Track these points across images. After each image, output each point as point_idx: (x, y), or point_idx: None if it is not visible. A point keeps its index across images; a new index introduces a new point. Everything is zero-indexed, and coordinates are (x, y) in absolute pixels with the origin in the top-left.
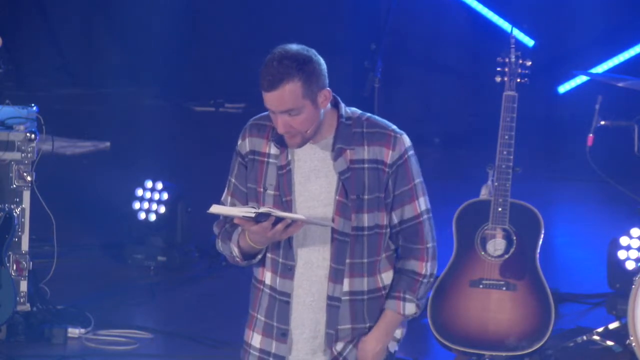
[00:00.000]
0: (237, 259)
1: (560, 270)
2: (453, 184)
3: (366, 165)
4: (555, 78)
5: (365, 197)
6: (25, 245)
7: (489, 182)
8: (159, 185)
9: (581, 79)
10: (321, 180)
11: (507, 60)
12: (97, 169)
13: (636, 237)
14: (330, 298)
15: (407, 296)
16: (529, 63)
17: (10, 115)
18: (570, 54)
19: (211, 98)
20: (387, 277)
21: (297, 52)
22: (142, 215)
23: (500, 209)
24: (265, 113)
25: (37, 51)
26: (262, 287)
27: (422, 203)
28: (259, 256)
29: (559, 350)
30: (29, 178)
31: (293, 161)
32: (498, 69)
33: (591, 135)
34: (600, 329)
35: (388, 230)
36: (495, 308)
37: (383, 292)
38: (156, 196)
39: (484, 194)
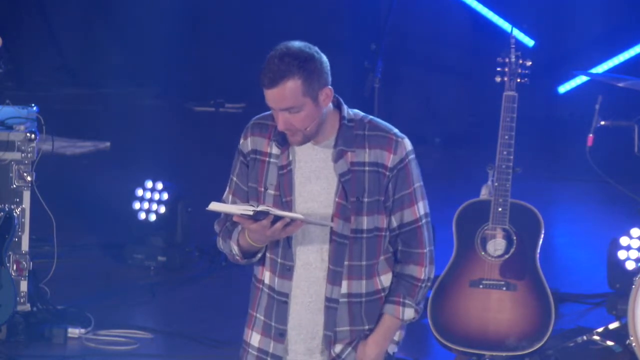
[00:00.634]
0: (237, 258)
1: (560, 270)
2: (453, 184)
3: (367, 168)
4: (555, 78)
5: (365, 199)
6: (25, 245)
7: (489, 182)
8: (159, 185)
9: (581, 79)
10: (321, 181)
11: (507, 60)
12: (97, 169)
13: (636, 237)
14: (328, 300)
15: (407, 301)
16: (529, 63)
17: (10, 115)
18: (570, 54)
19: (211, 98)
20: (385, 279)
21: (299, 49)
22: (142, 215)
23: (500, 209)
24: (268, 112)
25: (37, 51)
26: (261, 286)
27: (422, 207)
28: (259, 255)
29: (559, 350)
30: (29, 178)
31: (294, 162)
32: (498, 69)
33: (591, 135)
34: (600, 329)
35: (387, 233)
36: (495, 308)
37: (382, 295)
38: (156, 196)
39: (484, 194)
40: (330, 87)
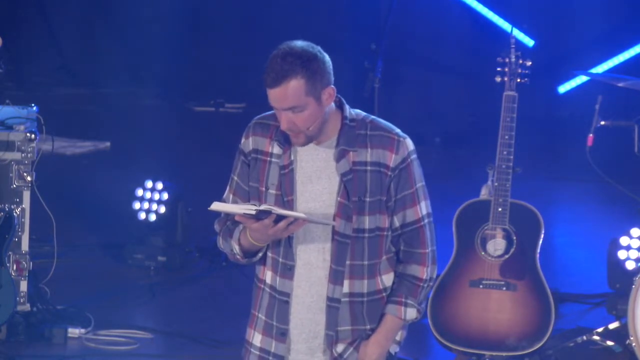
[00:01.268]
0: (238, 257)
1: (560, 270)
2: (453, 184)
3: (369, 168)
4: (555, 78)
5: (367, 199)
6: (25, 245)
7: (489, 182)
8: (159, 185)
9: (581, 79)
10: (323, 181)
11: (507, 60)
12: (97, 169)
13: (636, 237)
14: (329, 299)
15: (409, 301)
16: (529, 63)
17: (10, 115)
18: (570, 54)
19: (211, 98)
20: (387, 279)
21: (302, 49)
22: (142, 215)
23: (500, 209)
24: (270, 112)
25: (37, 51)
26: (262, 286)
27: (424, 207)
28: (260, 254)
29: (559, 350)
30: (29, 178)
31: (295, 161)
32: (498, 69)
33: (591, 135)
34: (600, 329)
35: (389, 233)
36: (495, 308)
37: (383, 294)
38: (156, 196)
39: (484, 194)
40: (333, 86)
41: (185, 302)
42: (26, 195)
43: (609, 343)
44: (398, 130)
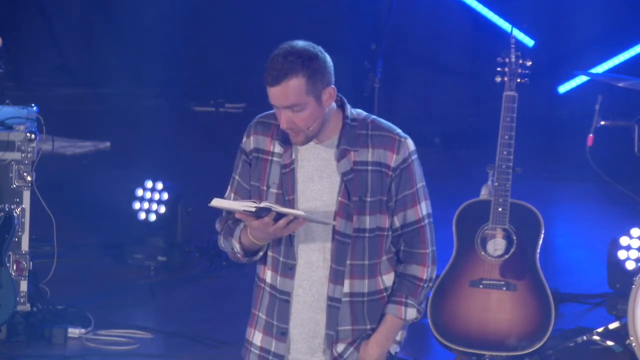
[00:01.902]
0: (239, 255)
1: (560, 270)
2: (453, 184)
3: (370, 168)
4: (555, 78)
5: (368, 199)
6: (25, 245)
7: (489, 182)
8: (159, 185)
9: (581, 79)
10: (324, 180)
11: (507, 60)
12: (97, 169)
13: (636, 237)
14: (330, 299)
15: (409, 301)
16: (529, 63)
17: (10, 115)
18: (570, 54)
19: (211, 98)
20: (388, 279)
21: (303, 48)
22: (142, 215)
23: (500, 209)
24: (271, 111)
25: (37, 51)
26: (263, 285)
27: (424, 207)
28: (261, 253)
29: (559, 350)
30: (29, 178)
31: (297, 160)
32: (498, 69)
33: (591, 135)
34: (600, 329)
35: (390, 233)
36: (495, 308)
37: (384, 295)
38: (156, 196)
39: (484, 194)
40: (333, 86)
41: (185, 302)
42: (26, 195)
43: (609, 343)
44: (399, 131)
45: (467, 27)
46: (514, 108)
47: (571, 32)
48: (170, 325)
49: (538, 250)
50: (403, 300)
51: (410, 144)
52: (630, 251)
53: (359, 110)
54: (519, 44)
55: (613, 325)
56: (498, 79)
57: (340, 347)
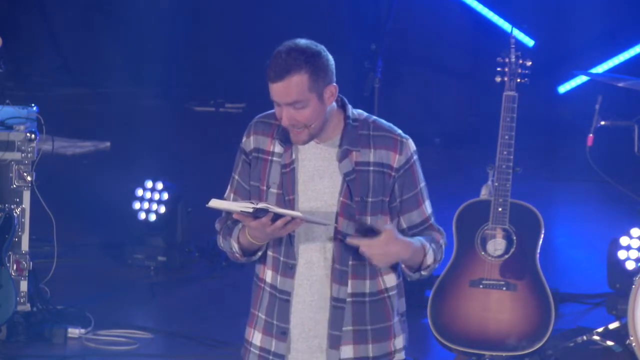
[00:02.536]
0: (237, 255)
1: (560, 270)
2: (453, 184)
3: (371, 168)
4: (555, 78)
5: (369, 199)
6: (25, 245)
7: (489, 182)
8: (159, 185)
9: (581, 79)
10: (325, 180)
11: (507, 60)
12: (97, 169)
13: (636, 237)
14: (335, 299)
15: (433, 246)
16: (529, 63)
17: (10, 115)
18: (570, 54)
19: (211, 98)
20: (388, 279)
21: (306, 45)
22: (142, 215)
23: (500, 209)
24: (271, 111)
25: (37, 51)
26: (263, 285)
27: (428, 206)
28: (259, 253)
29: (559, 350)
30: (29, 178)
31: (297, 160)
32: (498, 69)
33: (591, 135)
34: (600, 329)
35: None
36: (495, 308)
37: (385, 295)
38: (156, 196)
39: (484, 194)
40: (335, 84)
41: (185, 302)
42: (26, 195)
43: (609, 343)
44: (400, 131)
45: (467, 27)
46: (514, 108)
47: (571, 32)
48: (170, 325)
49: (538, 250)
50: (429, 244)
51: (412, 145)
52: (630, 251)
53: (360, 111)
54: (519, 44)
55: (613, 325)
56: (498, 79)
57: (342, 351)
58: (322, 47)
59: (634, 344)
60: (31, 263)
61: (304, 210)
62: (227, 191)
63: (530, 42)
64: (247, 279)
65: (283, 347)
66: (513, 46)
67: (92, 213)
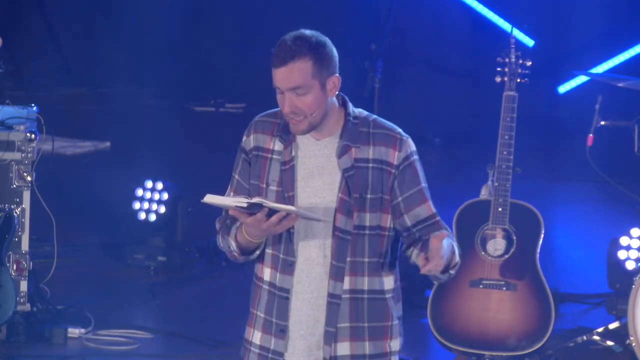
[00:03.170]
0: (235, 254)
1: (560, 270)
2: (453, 184)
3: (370, 165)
4: (555, 78)
5: (368, 196)
6: (25, 245)
7: (489, 182)
8: (159, 185)
9: (581, 79)
10: (324, 177)
11: (507, 60)
12: (97, 169)
13: (636, 237)
14: (330, 295)
15: (454, 242)
16: (529, 63)
17: (10, 115)
18: (570, 54)
19: (211, 98)
20: (387, 282)
21: (312, 34)
22: (142, 215)
23: (500, 209)
24: (272, 110)
25: (37, 51)
26: (261, 284)
27: (432, 206)
28: (257, 252)
29: (559, 350)
30: (29, 178)
31: (297, 157)
32: (498, 69)
33: (591, 135)
34: (600, 329)
35: (390, 233)
36: (495, 308)
37: (384, 296)
38: (156, 196)
39: (484, 194)
40: (338, 76)
41: (185, 302)
42: (26, 195)
43: (609, 343)
44: (400, 130)
45: (467, 27)
46: (514, 108)
47: (571, 32)
48: (170, 325)
49: (538, 250)
50: (452, 240)
51: (412, 144)
52: (630, 251)
53: (361, 110)
54: (519, 44)
55: (613, 325)
56: (498, 79)
57: (338, 347)
58: (327, 39)
59: (634, 344)
60: (31, 263)
61: (304, 206)
62: (228, 190)
63: (530, 42)
64: (247, 279)
65: (282, 345)
66: (513, 46)
67: (92, 213)
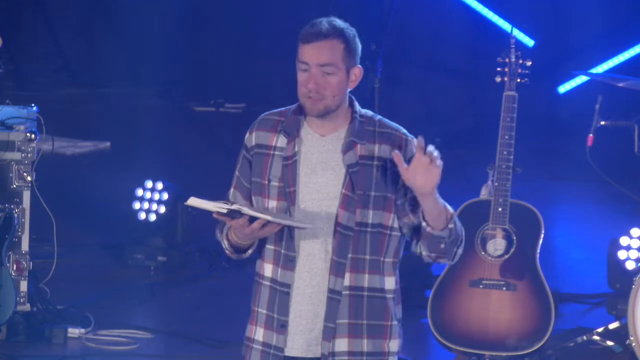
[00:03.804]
0: (228, 252)
1: (560, 270)
2: (453, 184)
3: (375, 163)
4: (555, 78)
5: (372, 193)
6: (25, 245)
7: (489, 182)
8: (159, 185)
9: (581, 79)
10: (328, 173)
11: (507, 60)
12: (97, 169)
13: (636, 237)
14: (331, 291)
15: (458, 220)
16: (529, 63)
17: (10, 115)
18: (570, 54)
19: (211, 98)
20: (389, 282)
21: (345, 23)
22: (142, 215)
23: (500, 209)
24: (276, 110)
25: (37, 51)
26: (261, 280)
27: None
28: (249, 251)
29: (559, 350)
30: (29, 178)
31: (299, 153)
32: (498, 69)
33: (591, 135)
34: (600, 329)
35: (393, 233)
36: (495, 308)
37: (385, 295)
38: (156, 196)
39: (484, 194)
40: (360, 67)
41: (185, 302)
42: (26, 195)
43: (609, 343)
44: (405, 131)
45: (467, 27)
46: (514, 108)
47: (571, 32)
48: (170, 325)
49: (538, 250)
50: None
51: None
52: (630, 251)
53: (367, 110)
54: (519, 44)
55: (613, 325)
56: (498, 79)
57: (336, 344)
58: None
59: (634, 344)
60: (31, 263)
61: (305, 203)
62: (231, 188)
63: (530, 42)
64: (247, 279)
65: (282, 340)
66: (513, 46)
67: (92, 213)
